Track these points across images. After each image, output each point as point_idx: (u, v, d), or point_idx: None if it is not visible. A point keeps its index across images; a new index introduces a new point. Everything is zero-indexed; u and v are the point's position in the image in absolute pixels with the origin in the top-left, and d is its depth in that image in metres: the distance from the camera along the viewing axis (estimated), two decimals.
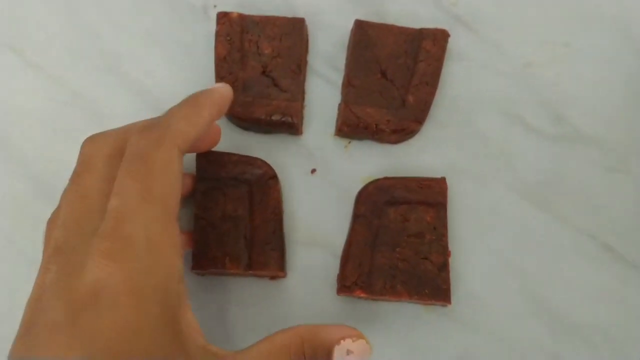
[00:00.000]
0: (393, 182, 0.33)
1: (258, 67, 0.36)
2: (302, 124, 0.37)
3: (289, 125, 0.35)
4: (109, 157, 0.26)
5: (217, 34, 0.36)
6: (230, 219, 0.33)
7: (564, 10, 0.39)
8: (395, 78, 0.36)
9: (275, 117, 0.34)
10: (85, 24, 0.39)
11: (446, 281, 0.31)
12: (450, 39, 0.38)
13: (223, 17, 0.36)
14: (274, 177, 0.34)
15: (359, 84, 0.36)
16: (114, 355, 0.20)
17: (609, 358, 0.33)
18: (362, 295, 0.31)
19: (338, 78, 0.38)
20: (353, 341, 0.26)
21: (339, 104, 0.36)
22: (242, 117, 0.35)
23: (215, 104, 0.29)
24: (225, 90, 0.30)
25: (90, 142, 0.28)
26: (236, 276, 0.34)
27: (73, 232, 0.24)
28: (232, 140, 0.37)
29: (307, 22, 0.38)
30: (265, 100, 0.35)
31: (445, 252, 0.32)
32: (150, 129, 0.26)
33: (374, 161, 0.36)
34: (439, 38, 0.36)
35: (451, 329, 0.33)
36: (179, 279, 0.24)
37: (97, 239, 0.22)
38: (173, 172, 0.25)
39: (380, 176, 0.35)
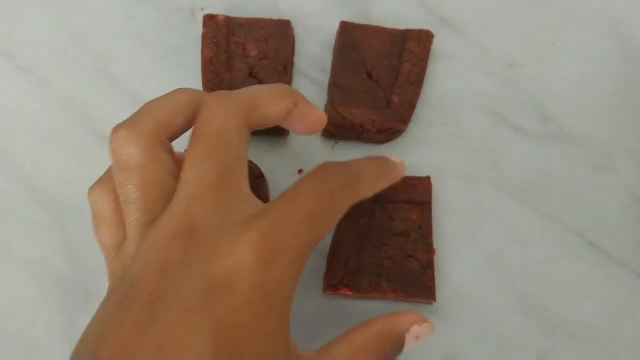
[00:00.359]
0: None
1: (244, 69, 0.36)
2: None
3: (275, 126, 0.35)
4: (239, 128, 0.25)
5: (204, 36, 0.36)
6: None
7: (550, 9, 0.39)
8: (381, 78, 0.36)
9: None
10: (75, 28, 0.40)
11: (431, 279, 0.32)
12: (435, 40, 0.38)
13: (209, 20, 0.37)
14: (261, 176, 0.34)
15: (345, 85, 0.36)
16: (238, 354, 0.20)
17: (596, 354, 0.33)
18: (348, 293, 0.32)
19: (324, 79, 0.38)
20: (420, 326, 0.27)
21: (325, 105, 0.37)
22: None
23: (300, 98, 0.27)
24: (317, 114, 0.28)
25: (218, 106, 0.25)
26: None
27: (205, 210, 0.23)
28: None
29: (294, 24, 0.38)
30: None
31: (430, 250, 0.32)
32: (230, 99, 0.25)
33: None
34: (423, 39, 0.36)
35: (437, 327, 0.33)
36: (293, 282, 0.23)
37: (245, 226, 0.21)
38: (239, 152, 0.24)
39: None
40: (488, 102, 0.37)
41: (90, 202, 0.25)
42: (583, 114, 0.37)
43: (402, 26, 0.38)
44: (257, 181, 0.34)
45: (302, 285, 0.34)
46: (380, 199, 0.33)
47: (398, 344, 0.27)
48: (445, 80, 0.38)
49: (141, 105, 0.38)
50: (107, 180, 0.25)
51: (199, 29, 0.38)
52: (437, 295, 0.33)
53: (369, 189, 0.27)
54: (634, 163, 0.36)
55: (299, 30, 0.39)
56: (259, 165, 0.35)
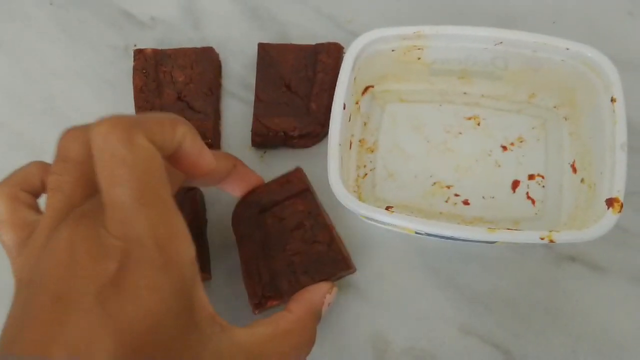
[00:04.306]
0: (256, 194, 0.35)
1: (173, 94, 0.40)
2: (219, 140, 0.40)
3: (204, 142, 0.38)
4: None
5: (134, 69, 0.40)
6: None
7: (448, 19, 0.44)
8: (299, 89, 0.40)
9: None
10: (23, 70, 0.44)
11: (339, 251, 0.32)
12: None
13: (139, 54, 0.41)
14: (190, 189, 0.37)
15: (267, 99, 0.40)
16: (140, 345, 0.21)
17: (512, 323, 0.36)
18: (275, 303, 0.32)
19: (250, 96, 0.42)
20: (331, 294, 0.31)
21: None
22: None
23: (192, 132, 0.26)
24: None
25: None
26: None
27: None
28: None
29: (219, 49, 0.42)
30: None
31: (328, 228, 0.33)
32: (117, 124, 0.23)
33: (289, 166, 0.40)
34: (332, 50, 0.40)
35: (364, 309, 0.36)
36: (192, 262, 0.23)
37: (110, 235, 0.22)
38: (157, 166, 0.23)
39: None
40: None
41: None
42: None
43: (318, 42, 0.42)
44: (188, 193, 0.37)
45: (240, 285, 0.37)
46: (265, 208, 0.34)
47: (317, 318, 0.30)
48: None
49: None
50: (3, 186, 0.27)
51: (131, 63, 0.42)
52: (362, 279, 0.36)
53: (160, 130, 0.24)
54: None
55: (224, 55, 0.43)
56: None
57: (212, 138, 0.39)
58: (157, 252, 0.22)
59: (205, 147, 0.27)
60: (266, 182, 0.37)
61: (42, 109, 0.42)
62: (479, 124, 0.39)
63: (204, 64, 0.40)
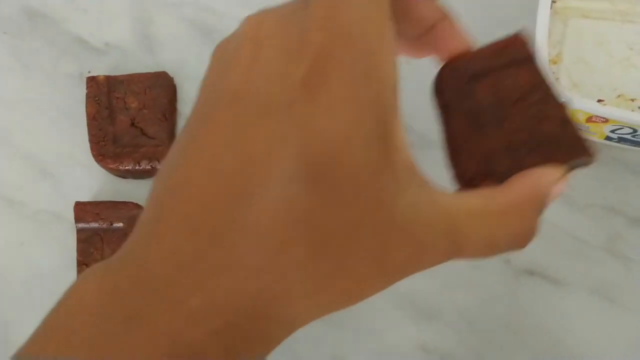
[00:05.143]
0: (466, 58, 0.27)
1: (127, 120, 0.39)
2: None
3: (158, 169, 0.38)
4: None
5: (87, 96, 0.40)
6: None
7: None
8: None
9: (143, 164, 0.38)
10: None
11: (576, 132, 0.26)
12: None
13: (91, 81, 0.40)
14: None
15: None
16: (325, 169, 0.17)
17: (473, 339, 0.35)
18: (490, 184, 0.25)
19: None
20: (559, 183, 0.23)
21: None
22: (114, 168, 0.38)
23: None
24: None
25: None
26: None
27: None
28: (114, 189, 0.40)
29: (174, 73, 0.42)
30: (134, 149, 0.38)
31: (560, 105, 0.27)
32: None
33: None
34: None
35: (325, 331, 0.36)
36: (393, 89, 0.19)
37: (310, 26, 0.18)
38: None
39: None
40: None
41: None
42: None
43: None
44: None
45: None
46: (476, 75, 0.27)
47: (539, 210, 0.22)
48: None
49: (40, 169, 0.41)
50: None
51: (85, 90, 0.42)
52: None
53: None
54: None
55: (179, 79, 0.43)
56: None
57: None
58: (360, 56, 0.17)
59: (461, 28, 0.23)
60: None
61: None
62: None
63: (158, 89, 0.40)
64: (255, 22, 0.19)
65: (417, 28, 0.23)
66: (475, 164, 0.25)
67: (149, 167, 0.38)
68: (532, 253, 0.37)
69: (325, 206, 0.17)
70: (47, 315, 0.18)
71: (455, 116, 0.27)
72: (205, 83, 0.20)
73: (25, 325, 0.38)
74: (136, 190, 0.40)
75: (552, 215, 0.38)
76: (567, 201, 0.39)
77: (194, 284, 0.17)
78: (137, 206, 0.37)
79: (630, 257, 0.37)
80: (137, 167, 0.38)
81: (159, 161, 0.38)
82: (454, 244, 0.19)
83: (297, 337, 0.35)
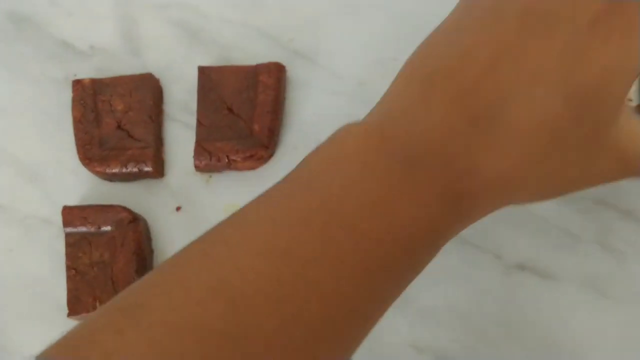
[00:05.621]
0: None
1: (113, 123, 0.39)
2: (162, 167, 0.40)
3: (145, 171, 0.38)
4: None
5: (73, 100, 0.40)
6: (97, 265, 0.36)
7: (388, 30, 0.44)
8: (241, 111, 0.40)
9: (130, 167, 0.38)
10: None
11: None
12: (291, 70, 0.42)
13: (77, 84, 0.40)
14: (133, 220, 0.36)
15: (209, 123, 0.40)
16: (587, 89, 0.21)
17: (465, 337, 0.35)
18: None
19: (193, 121, 0.41)
20: None
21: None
22: (101, 172, 0.38)
23: None
24: None
25: None
26: None
27: None
28: (102, 192, 0.40)
29: (160, 75, 0.42)
30: (120, 152, 0.38)
31: None
32: None
33: (234, 189, 0.40)
34: (273, 70, 0.40)
35: None
36: None
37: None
38: None
39: (243, 202, 0.38)
40: (342, 119, 0.41)
41: None
42: None
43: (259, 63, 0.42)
44: (129, 225, 0.36)
45: None
46: None
47: None
48: (303, 106, 0.42)
49: (28, 174, 0.41)
50: None
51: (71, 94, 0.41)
52: None
53: None
54: None
55: (165, 80, 0.42)
56: (135, 208, 0.38)
57: (154, 166, 0.38)
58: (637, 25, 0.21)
59: None
60: (215, 203, 0.35)
61: None
62: None
63: (143, 91, 0.40)
64: None
65: None
66: None
67: (136, 170, 0.38)
68: (523, 247, 0.37)
69: (571, 121, 0.20)
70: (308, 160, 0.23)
71: None
72: None
73: (15, 330, 0.38)
74: (123, 193, 0.39)
75: (543, 210, 0.38)
76: None
77: (462, 151, 0.21)
78: (125, 209, 0.37)
79: (621, 250, 0.37)
80: (123, 170, 0.38)
81: (145, 163, 0.38)
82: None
83: None
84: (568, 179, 0.23)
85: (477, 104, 0.21)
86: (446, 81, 0.22)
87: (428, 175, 0.21)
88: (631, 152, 0.23)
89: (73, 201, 0.39)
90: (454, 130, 0.21)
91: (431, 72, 0.22)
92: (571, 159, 0.22)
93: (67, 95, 0.42)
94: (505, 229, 0.37)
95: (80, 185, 0.40)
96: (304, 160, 0.23)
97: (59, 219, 0.38)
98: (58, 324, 0.38)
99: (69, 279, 0.36)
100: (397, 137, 0.22)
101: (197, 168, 0.39)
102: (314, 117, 0.41)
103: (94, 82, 0.40)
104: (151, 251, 0.38)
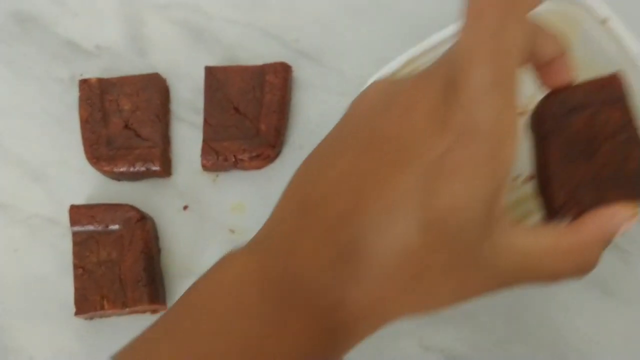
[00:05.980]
0: (568, 92, 0.30)
1: (120, 123, 0.39)
2: (170, 166, 0.40)
3: (153, 170, 0.38)
4: None
5: (80, 99, 0.40)
6: (105, 263, 0.35)
7: (393, 29, 0.44)
8: (247, 111, 0.40)
9: (138, 166, 0.38)
10: None
11: None
12: (296, 71, 0.42)
13: (83, 84, 0.40)
14: (141, 219, 0.36)
15: (216, 122, 0.40)
16: (442, 215, 0.21)
17: (472, 334, 0.35)
18: (574, 214, 0.27)
19: (200, 120, 0.41)
20: (629, 220, 0.26)
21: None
22: (108, 171, 0.38)
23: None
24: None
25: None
26: (120, 316, 0.36)
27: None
28: (109, 192, 0.40)
29: (166, 75, 0.42)
30: (128, 151, 0.38)
31: None
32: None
33: (241, 189, 0.40)
34: (279, 70, 0.40)
35: None
36: (514, 162, 0.22)
37: (456, 107, 0.21)
38: (521, 54, 0.22)
39: (249, 202, 0.38)
40: None
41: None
42: None
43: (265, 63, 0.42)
44: (137, 224, 0.36)
45: None
46: (575, 109, 0.30)
47: (606, 245, 0.25)
48: (309, 106, 0.42)
49: (33, 174, 0.41)
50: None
51: (77, 94, 0.41)
52: None
53: None
54: None
55: (171, 80, 0.42)
56: (142, 208, 0.37)
57: (161, 165, 0.38)
58: (490, 141, 0.21)
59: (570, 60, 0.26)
60: (222, 202, 0.35)
61: None
62: None
63: (150, 91, 0.40)
64: (409, 90, 0.23)
65: (536, 62, 0.26)
66: (564, 194, 0.28)
67: (144, 169, 0.38)
68: None
69: (431, 250, 0.21)
70: (188, 293, 0.23)
71: (551, 146, 0.29)
72: (351, 122, 0.25)
73: (21, 330, 0.38)
74: (130, 193, 0.39)
75: None
76: None
77: (332, 284, 0.22)
78: (133, 208, 0.37)
79: (628, 250, 0.37)
80: (131, 169, 0.38)
81: (153, 162, 0.38)
82: (520, 278, 0.23)
83: None
84: (447, 295, 0.23)
85: (343, 237, 0.22)
86: (318, 210, 0.22)
87: (300, 310, 0.22)
88: (510, 268, 0.23)
89: (79, 201, 0.39)
90: (324, 264, 0.22)
91: (305, 199, 0.23)
92: (441, 281, 0.22)
93: (73, 95, 0.42)
94: None
95: (86, 185, 0.40)
96: (192, 286, 0.23)
97: (64, 218, 0.38)
98: (62, 323, 0.38)
99: (76, 277, 0.35)
100: (274, 268, 0.22)
101: (205, 167, 0.39)
102: (319, 116, 0.41)
103: (101, 81, 0.40)
104: (158, 250, 0.38)
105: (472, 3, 0.22)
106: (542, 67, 0.27)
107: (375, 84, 0.26)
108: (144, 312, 0.36)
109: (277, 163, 0.40)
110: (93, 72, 0.43)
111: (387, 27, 0.44)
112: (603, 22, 0.31)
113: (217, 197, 0.40)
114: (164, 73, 0.42)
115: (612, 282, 0.36)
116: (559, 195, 0.28)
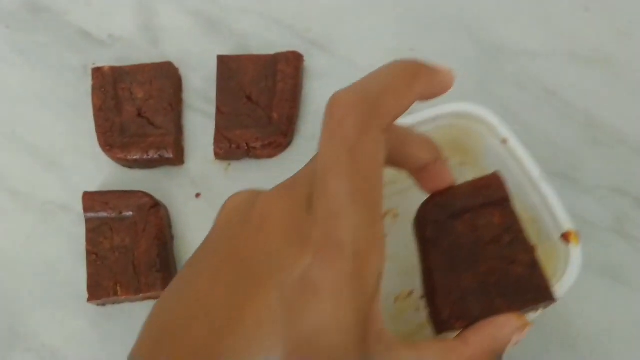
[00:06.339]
0: (448, 195, 0.29)
1: (133, 111, 0.39)
2: (182, 154, 0.40)
3: (166, 158, 0.38)
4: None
5: (93, 88, 0.40)
6: (118, 249, 0.36)
7: (405, 20, 0.44)
8: (260, 100, 0.40)
9: (151, 153, 0.38)
10: None
11: (543, 277, 0.27)
12: (308, 60, 0.42)
13: (97, 72, 0.40)
14: (154, 205, 0.37)
15: (228, 111, 0.40)
16: (309, 353, 0.20)
17: None
18: (462, 326, 0.26)
19: (212, 109, 0.41)
20: (522, 332, 0.25)
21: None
22: (122, 158, 0.38)
23: (430, 85, 0.24)
24: (448, 78, 0.24)
25: None
26: (133, 302, 0.37)
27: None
28: (121, 179, 0.40)
29: (178, 64, 0.42)
30: (141, 139, 0.38)
31: (530, 248, 0.28)
32: (356, 106, 0.21)
33: (253, 177, 0.40)
34: (291, 59, 0.40)
35: None
36: (379, 277, 0.21)
37: (313, 223, 0.20)
38: (380, 164, 0.21)
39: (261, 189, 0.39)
40: None
41: None
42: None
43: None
44: (151, 210, 0.36)
45: None
46: (456, 213, 0.29)
47: (497, 358, 0.25)
48: (321, 95, 0.42)
49: (46, 161, 0.41)
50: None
51: (90, 82, 0.42)
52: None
53: (395, 105, 0.22)
54: None
55: (183, 70, 0.43)
56: (154, 195, 0.38)
57: (174, 153, 0.38)
58: (352, 258, 0.20)
59: (448, 168, 0.26)
60: (234, 190, 0.35)
61: (1, 134, 0.42)
62: (395, 216, 0.36)
63: (163, 79, 0.40)
64: (265, 203, 0.22)
65: (411, 169, 0.26)
66: (450, 306, 0.27)
67: (157, 157, 0.38)
68: None
69: None
70: None
71: (434, 252, 0.28)
72: (212, 239, 0.23)
73: (33, 316, 0.38)
74: (143, 180, 0.39)
75: (561, 198, 0.38)
76: (574, 184, 0.39)
77: None
78: (146, 195, 0.37)
79: (637, 238, 0.37)
80: (144, 157, 0.38)
81: (166, 150, 0.38)
82: None
83: None
84: None
85: None
86: (174, 341, 0.21)
87: None
88: None
89: (92, 188, 0.39)
90: None
91: (162, 327, 0.22)
92: None
93: (86, 83, 0.42)
94: None
95: (98, 172, 0.40)
96: None
97: (77, 205, 0.38)
98: (75, 309, 0.38)
99: (90, 263, 0.36)
100: None
101: (217, 155, 0.39)
102: None
103: (114, 70, 0.40)
104: (172, 237, 0.38)
105: (330, 112, 0.21)
106: (418, 172, 0.27)
107: (233, 196, 0.25)
108: (156, 298, 0.36)
109: (289, 152, 0.41)
110: (105, 61, 0.43)
111: (398, 18, 0.44)
112: (503, 141, 0.32)
113: (229, 186, 0.40)
114: (176, 62, 0.42)
115: (623, 270, 0.36)
116: (445, 306, 0.27)
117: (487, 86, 0.42)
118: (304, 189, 0.21)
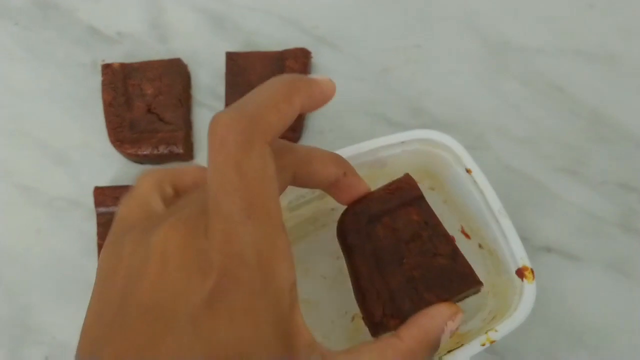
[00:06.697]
0: (364, 202, 0.30)
1: (143, 107, 0.40)
2: (192, 149, 0.40)
3: (175, 153, 0.39)
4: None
5: (103, 84, 0.40)
6: None
7: (411, 17, 0.44)
8: None
9: (161, 149, 0.38)
10: None
11: (466, 264, 0.28)
12: (316, 57, 0.43)
13: (106, 68, 0.41)
14: None
15: None
16: (240, 356, 0.20)
17: None
18: (396, 324, 0.27)
19: (221, 105, 0.42)
20: (453, 321, 0.26)
21: None
22: (132, 153, 0.38)
23: (311, 96, 0.24)
24: (328, 86, 0.25)
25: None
26: None
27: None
28: (131, 174, 0.40)
29: (187, 60, 0.43)
30: (151, 135, 0.39)
31: (449, 239, 0.29)
32: (236, 124, 0.21)
33: None
34: (299, 56, 0.41)
35: None
36: (292, 287, 0.22)
37: (210, 247, 0.20)
38: (270, 177, 0.21)
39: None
40: (367, 105, 0.42)
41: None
42: (450, 102, 0.42)
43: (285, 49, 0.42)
44: None
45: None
46: (374, 217, 0.30)
47: (434, 349, 0.25)
48: None
49: (56, 157, 0.41)
50: (156, 172, 0.25)
51: (99, 79, 0.42)
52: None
53: (276, 119, 0.22)
54: (504, 138, 0.40)
55: (192, 66, 0.43)
56: None
57: (184, 148, 0.39)
58: (257, 272, 0.20)
59: (360, 179, 0.28)
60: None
61: (11, 131, 0.42)
62: None
63: (173, 76, 0.40)
64: (162, 240, 0.21)
65: (321, 186, 0.27)
66: (382, 306, 0.27)
67: (167, 152, 0.38)
68: (549, 231, 0.37)
69: None
70: None
71: (359, 258, 0.29)
72: (110, 273, 0.22)
73: (44, 310, 0.39)
74: None
75: (567, 194, 0.39)
76: (581, 179, 0.39)
77: None
78: None
79: None
80: (155, 152, 0.38)
81: (176, 145, 0.38)
82: None
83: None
84: None
85: None
86: None
87: None
88: None
89: (102, 183, 0.39)
90: None
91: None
92: None
93: (95, 80, 0.42)
94: (532, 213, 0.38)
95: (109, 168, 0.41)
96: None
97: (87, 200, 0.39)
98: (86, 304, 0.38)
99: None
100: None
101: None
102: (338, 103, 0.41)
103: (124, 66, 0.41)
104: None
105: (213, 133, 0.21)
106: (329, 188, 0.27)
107: (127, 206, 0.24)
108: None
109: None
110: (114, 58, 0.43)
111: (405, 14, 0.45)
112: (468, 170, 0.32)
113: None
114: (184, 59, 0.43)
115: (629, 264, 0.37)
116: (377, 308, 0.27)
117: (493, 82, 0.42)
118: (199, 214, 0.21)
